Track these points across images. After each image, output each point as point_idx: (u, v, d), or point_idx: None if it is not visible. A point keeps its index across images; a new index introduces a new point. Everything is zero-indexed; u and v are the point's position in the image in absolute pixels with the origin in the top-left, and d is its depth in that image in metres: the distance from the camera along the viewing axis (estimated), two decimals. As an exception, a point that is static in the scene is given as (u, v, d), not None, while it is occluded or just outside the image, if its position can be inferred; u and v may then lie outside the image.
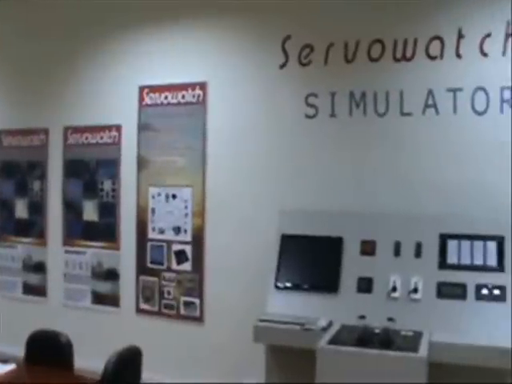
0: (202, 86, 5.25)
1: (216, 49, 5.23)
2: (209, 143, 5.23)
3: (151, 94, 5.48)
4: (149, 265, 5.47)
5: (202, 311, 5.23)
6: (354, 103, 4.69)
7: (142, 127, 5.52)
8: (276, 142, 4.96)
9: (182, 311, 5.31)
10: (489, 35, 4.42)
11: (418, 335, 3.68)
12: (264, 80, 5.02)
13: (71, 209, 5.89)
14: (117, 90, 5.66)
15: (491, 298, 3.83)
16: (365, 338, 3.60)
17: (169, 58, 5.41)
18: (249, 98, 5.09)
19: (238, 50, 5.15)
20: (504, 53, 4.40)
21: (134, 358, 3.66)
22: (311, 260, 4.34)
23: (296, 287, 4.29)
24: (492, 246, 3.97)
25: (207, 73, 5.25)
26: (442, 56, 4.51)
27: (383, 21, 4.65)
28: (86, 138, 5.80)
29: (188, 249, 5.29)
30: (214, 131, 5.22)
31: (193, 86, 5.30)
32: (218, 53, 5.22)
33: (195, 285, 5.24)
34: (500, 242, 3.96)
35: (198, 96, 5.27)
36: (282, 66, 4.94)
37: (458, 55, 4.48)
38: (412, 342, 3.57)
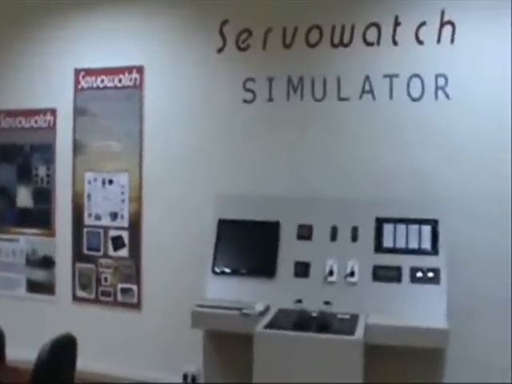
0: (139, 69, 5.16)
1: (153, 32, 5.13)
2: (146, 128, 5.15)
3: (87, 78, 5.36)
4: (85, 251, 5.36)
5: (139, 298, 5.17)
6: (291, 88, 4.69)
7: (78, 111, 5.39)
8: (214, 126, 4.92)
9: (120, 298, 5.23)
10: (424, 23, 4.48)
11: (354, 318, 3.72)
12: (201, 64, 4.97)
13: (4, 195, 5.71)
14: (52, 73, 5.49)
15: (426, 280, 3.90)
16: (302, 321, 3.62)
17: (106, 42, 5.29)
18: (186, 83, 5.03)
19: (175, 33, 5.08)
20: (439, 41, 4.48)
21: (68, 347, 3.56)
22: (248, 245, 4.34)
23: (233, 272, 4.28)
24: (426, 229, 4.04)
25: (144, 56, 5.16)
26: (378, 43, 4.56)
27: (321, 7, 4.65)
28: (20, 122, 5.63)
29: (125, 235, 5.21)
30: (151, 116, 5.14)
31: (129, 69, 5.20)
32: (156, 36, 5.13)
33: (132, 271, 5.18)
34: (434, 225, 4.04)
35: (135, 80, 5.18)
36: (220, 51, 4.90)
37: (395, 42, 4.54)
38: (348, 325, 3.61)
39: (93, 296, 5.34)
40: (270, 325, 3.66)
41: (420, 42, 4.50)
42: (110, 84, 5.28)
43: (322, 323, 3.59)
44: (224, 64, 4.90)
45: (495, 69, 4.45)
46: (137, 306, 5.18)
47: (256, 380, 3.54)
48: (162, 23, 5.11)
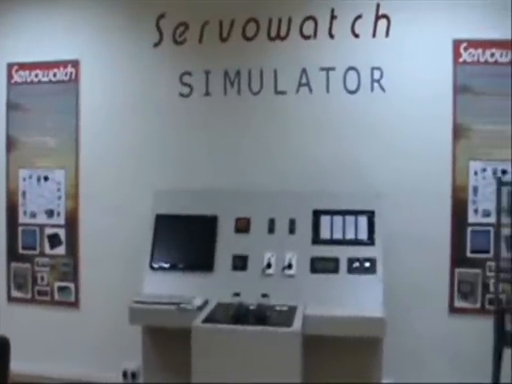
0: (75, 63, 5.05)
1: (89, 26, 5.03)
2: (82, 123, 5.04)
3: (21, 72, 5.22)
4: (20, 250, 5.22)
5: (77, 296, 5.07)
6: (228, 82, 4.69)
7: (12, 106, 5.24)
8: (151, 121, 4.86)
9: (57, 297, 5.12)
10: (360, 17, 4.54)
11: (292, 310, 3.72)
12: (138, 58, 4.90)
13: None
14: (-17, 67, 5.35)
15: (362, 270, 3.94)
16: (239, 314, 3.60)
17: (40, 35, 5.14)
18: (123, 77, 4.95)
19: (111, 27, 4.98)
20: (374, 34, 4.54)
21: (-1, 349, 3.47)
22: (186, 239, 4.29)
23: (171, 267, 4.23)
24: (363, 220, 4.08)
25: (80, 51, 5.05)
26: (315, 36, 4.59)
27: (258, 0, 4.65)
28: (-49, 119, 5.46)
29: (62, 232, 5.10)
30: (88, 111, 5.03)
31: (65, 63, 5.08)
32: (91, 30, 5.03)
33: (70, 269, 5.07)
34: (370, 216, 4.09)
35: (71, 74, 5.07)
36: (157, 45, 4.84)
37: (331, 35, 4.58)
38: (286, 317, 3.61)
39: (29, 296, 5.20)
40: (208, 319, 3.63)
41: (356, 36, 4.55)
42: (45, 79, 5.15)
43: (260, 316, 3.58)
44: (161, 58, 4.85)
45: (430, 62, 4.54)
46: (74, 304, 5.08)
47: (195, 374, 3.51)
48: (98, 17, 5.02)
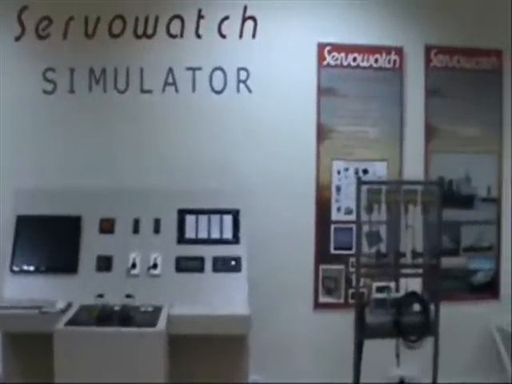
0: None
1: None
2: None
3: None
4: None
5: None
6: (93, 79, 4.58)
7: None
8: (11, 118, 4.61)
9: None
10: (227, 18, 4.58)
11: (157, 310, 3.70)
12: (-2, 51, 4.70)
13: None
14: None
15: (228, 269, 3.97)
16: (103, 316, 3.53)
17: None
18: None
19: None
20: (241, 35, 4.59)
21: None
22: (49, 241, 4.14)
23: (33, 270, 4.07)
24: (228, 219, 4.12)
25: None
26: (182, 35, 4.58)
27: (125, -3, 4.60)
28: None
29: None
30: None
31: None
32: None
33: None
34: (235, 215, 4.13)
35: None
36: (18, 39, 4.63)
37: (198, 35, 4.58)
38: (151, 317, 3.58)
39: None
40: (71, 321, 3.53)
41: (223, 36, 4.59)
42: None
43: (124, 317, 3.53)
44: (23, 53, 4.64)
45: (296, 64, 4.67)
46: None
47: (58, 379, 3.41)
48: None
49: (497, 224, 5.06)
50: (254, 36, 4.61)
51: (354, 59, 4.74)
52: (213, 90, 4.55)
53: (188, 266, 3.98)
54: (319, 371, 4.69)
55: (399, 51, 4.81)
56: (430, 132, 4.90)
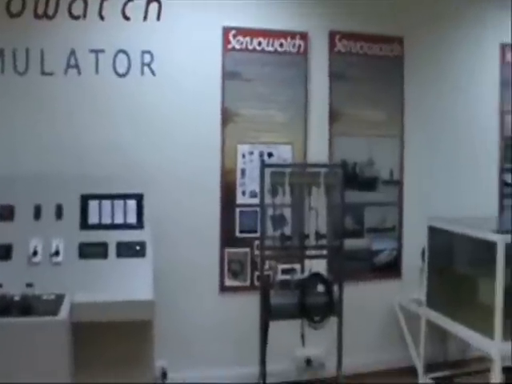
0: None
1: None
2: None
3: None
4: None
5: None
6: (-9, 60, 4.41)
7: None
8: None
9: None
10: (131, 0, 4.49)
11: (59, 298, 3.60)
12: None
13: None
14: None
15: (132, 254, 3.89)
16: (2, 307, 3.41)
17: None
18: None
19: None
20: (145, 17, 4.53)
21: None
22: None
23: None
24: (132, 204, 4.05)
25: None
26: (85, 16, 4.46)
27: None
28: None
29: None
30: None
31: None
32: None
33: None
34: (139, 199, 4.07)
35: None
36: None
37: (101, 17, 4.48)
38: (52, 306, 3.48)
39: None
40: (-35, 314, 3.42)
41: (127, 18, 4.50)
42: None
43: (25, 306, 3.42)
44: None
45: (201, 47, 4.65)
46: None
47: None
48: None
49: (399, 205, 5.24)
50: (158, 18, 4.54)
51: (259, 43, 4.77)
52: (116, 73, 4.46)
53: (91, 252, 3.88)
54: (226, 354, 4.74)
55: (304, 36, 4.88)
56: (334, 116, 5.00)
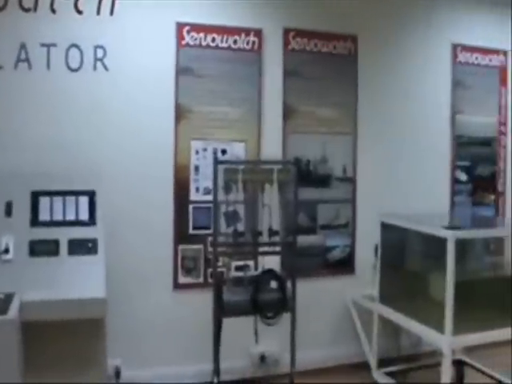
0: None
1: None
2: None
3: None
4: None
5: None
6: None
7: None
8: None
9: None
10: (84, -7, 4.44)
11: (9, 297, 3.54)
12: None
13: None
14: None
15: (84, 251, 3.84)
16: None
17: None
18: None
19: None
20: (98, 12, 4.47)
21: None
22: None
23: None
24: (84, 200, 4.00)
25: None
26: (35, 9, 4.38)
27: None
28: None
29: None
30: None
31: None
32: None
33: None
34: (91, 196, 4.02)
35: None
36: None
37: (53, 10, 4.40)
38: (2, 305, 3.42)
39: None
40: None
41: (79, 12, 4.44)
42: None
43: (-27, 305, 3.38)
44: None
45: (154, 43, 4.62)
46: None
47: None
48: None
49: (352, 202, 5.29)
50: (111, 13, 4.49)
51: (213, 40, 4.76)
52: (68, 67, 4.40)
53: (42, 249, 3.82)
54: (179, 352, 4.73)
55: (258, 33, 4.89)
56: (288, 113, 5.02)
